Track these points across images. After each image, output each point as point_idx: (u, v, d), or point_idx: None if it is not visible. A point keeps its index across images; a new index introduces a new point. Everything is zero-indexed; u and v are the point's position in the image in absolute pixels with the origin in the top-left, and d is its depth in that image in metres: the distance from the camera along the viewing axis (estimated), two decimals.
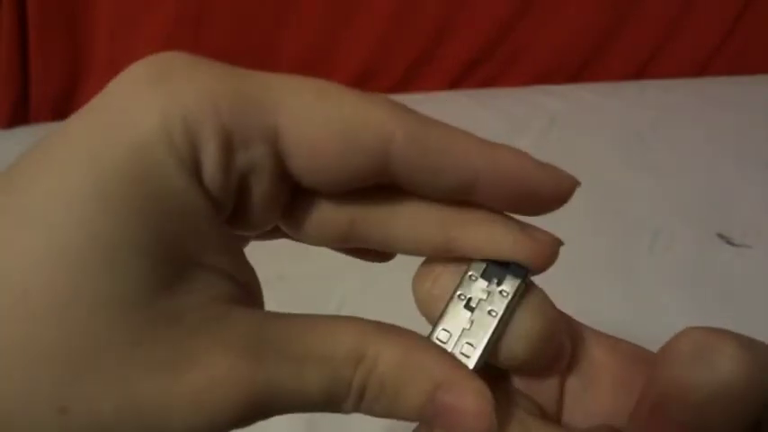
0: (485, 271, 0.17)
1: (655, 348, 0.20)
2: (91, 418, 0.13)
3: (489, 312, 0.16)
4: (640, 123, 0.85)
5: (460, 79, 0.97)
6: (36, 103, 0.92)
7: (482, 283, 0.17)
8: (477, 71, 0.97)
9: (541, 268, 0.18)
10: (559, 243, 0.18)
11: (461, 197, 0.16)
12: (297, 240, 0.18)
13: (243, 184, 0.15)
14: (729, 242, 0.63)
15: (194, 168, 0.14)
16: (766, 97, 0.91)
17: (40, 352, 0.12)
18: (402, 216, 0.17)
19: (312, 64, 0.94)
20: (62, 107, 0.93)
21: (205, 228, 0.14)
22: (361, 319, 0.16)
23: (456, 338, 0.16)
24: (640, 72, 0.98)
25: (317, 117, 0.15)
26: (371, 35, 0.92)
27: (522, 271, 0.17)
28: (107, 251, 0.13)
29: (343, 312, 0.60)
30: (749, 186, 0.72)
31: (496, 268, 0.17)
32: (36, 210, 0.13)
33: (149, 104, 0.14)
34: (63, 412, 0.12)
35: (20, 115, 0.92)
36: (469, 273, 0.17)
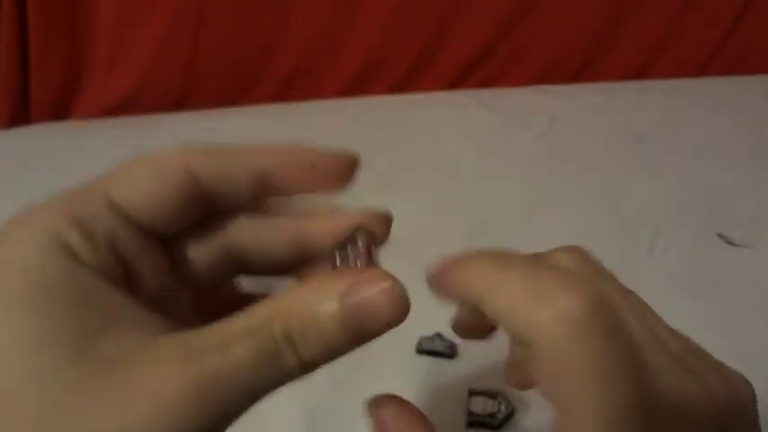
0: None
1: None
2: None
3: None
4: (640, 123, 0.85)
5: (460, 79, 0.97)
6: (36, 103, 0.92)
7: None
8: (477, 71, 0.97)
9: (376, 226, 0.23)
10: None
11: (269, 192, 0.21)
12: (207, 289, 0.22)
13: (115, 248, 0.19)
14: (729, 242, 0.63)
15: (71, 256, 0.17)
16: (766, 97, 0.91)
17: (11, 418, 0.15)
18: (262, 229, 0.21)
19: (312, 64, 0.94)
20: (62, 107, 0.93)
21: (107, 292, 0.18)
22: (271, 296, 0.18)
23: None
24: (640, 72, 0.98)
25: (134, 178, 0.19)
26: (371, 35, 0.93)
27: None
28: (36, 341, 0.16)
29: None
30: (749, 186, 0.72)
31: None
32: None
33: (24, 234, 0.18)
34: None
35: (20, 115, 0.92)
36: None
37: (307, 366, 0.17)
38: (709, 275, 0.60)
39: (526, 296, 0.17)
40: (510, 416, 0.44)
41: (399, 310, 0.18)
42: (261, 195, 0.21)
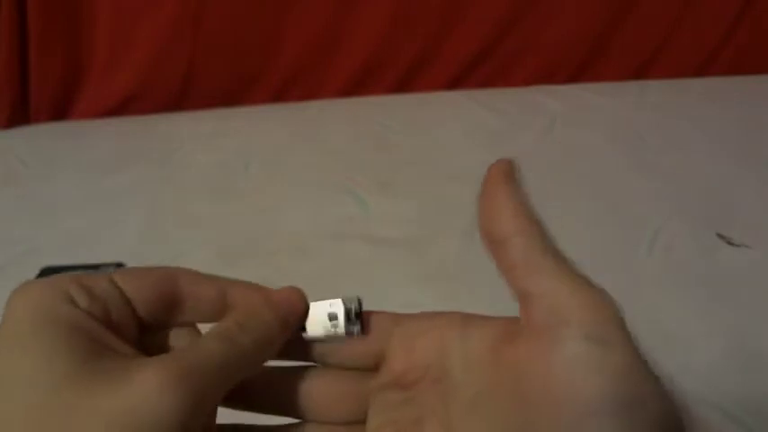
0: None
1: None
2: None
3: None
4: (640, 123, 0.85)
5: (460, 79, 0.97)
6: (36, 103, 0.92)
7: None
8: (477, 71, 0.97)
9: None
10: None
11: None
12: None
13: (107, 305, 0.23)
14: (729, 242, 0.63)
15: (72, 302, 0.22)
16: (766, 97, 0.91)
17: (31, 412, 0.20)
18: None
19: (312, 64, 0.94)
20: (62, 107, 0.93)
21: (101, 329, 0.22)
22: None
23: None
24: (640, 72, 0.98)
25: (132, 272, 0.24)
26: (371, 35, 0.93)
27: None
28: (45, 359, 0.20)
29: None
30: (749, 186, 0.72)
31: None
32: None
33: (36, 288, 0.22)
34: None
35: (20, 115, 0.92)
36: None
37: (258, 346, 0.23)
38: (709, 275, 0.60)
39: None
40: None
41: (305, 303, 0.25)
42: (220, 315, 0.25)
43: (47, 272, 0.64)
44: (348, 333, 0.25)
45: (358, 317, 0.25)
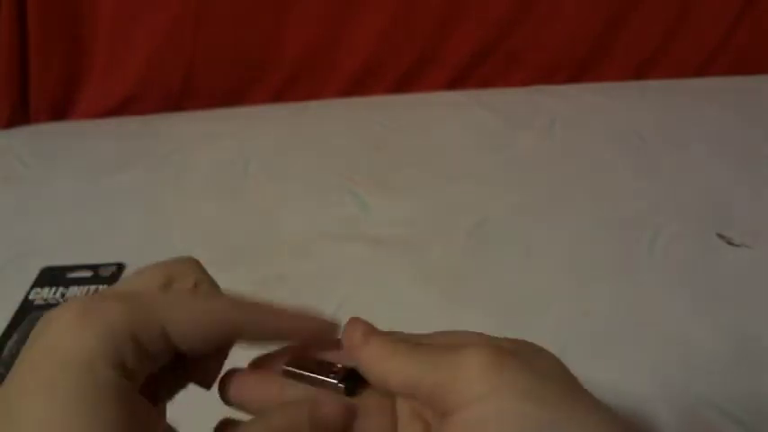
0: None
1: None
2: None
3: None
4: (640, 123, 0.85)
5: (460, 79, 0.97)
6: (36, 103, 0.92)
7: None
8: (477, 71, 0.97)
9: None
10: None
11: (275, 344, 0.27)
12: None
13: (155, 360, 0.23)
14: (729, 242, 0.63)
15: (121, 365, 0.21)
16: (766, 97, 0.91)
17: None
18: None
19: (312, 64, 0.94)
20: (62, 107, 0.93)
21: (143, 403, 0.22)
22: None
23: None
24: (640, 72, 0.98)
25: (190, 322, 0.24)
26: (372, 35, 0.92)
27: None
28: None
29: (343, 312, 0.60)
30: (749, 186, 0.72)
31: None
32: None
33: (84, 335, 0.21)
34: None
35: (20, 115, 0.92)
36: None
37: None
38: (709, 275, 0.60)
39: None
40: None
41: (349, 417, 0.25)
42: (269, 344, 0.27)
43: (47, 272, 0.64)
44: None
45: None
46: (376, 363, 0.25)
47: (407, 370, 0.24)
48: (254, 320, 0.25)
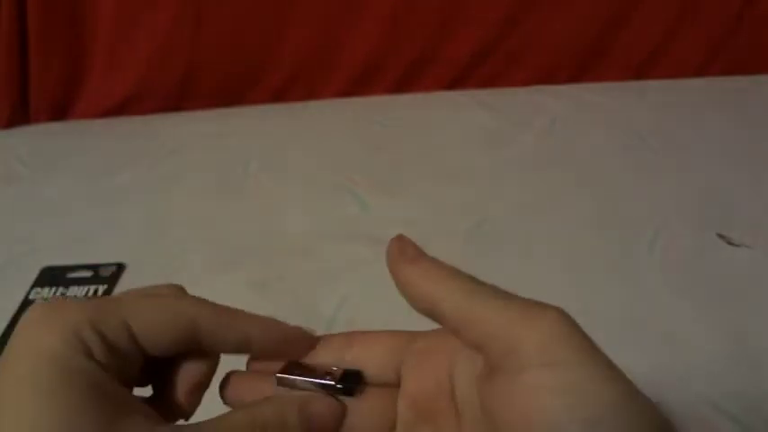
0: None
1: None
2: None
3: None
4: (640, 123, 0.85)
5: (460, 79, 0.97)
6: (36, 103, 0.92)
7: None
8: (477, 71, 0.97)
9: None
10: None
11: (244, 352, 0.27)
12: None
13: (118, 354, 0.23)
14: (729, 242, 0.63)
15: (88, 352, 0.22)
16: (766, 97, 0.91)
17: None
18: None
19: (312, 64, 0.94)
20: (62, 107, 0.93)
21: (115, 386, 0.22)
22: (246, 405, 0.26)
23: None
24: (640, 72, 0.98)
25: (150, 319, 0.24)
26: (372, 35, 0.93)
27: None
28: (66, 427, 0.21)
29: (343, 313, 0.60)
30: (749, 186, 0.72)
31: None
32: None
33: (50, 330, 0.22)
34: None
35: (20, 115, 0.92)
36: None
37: None
38: (709, 275, 0.60)
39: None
40: None
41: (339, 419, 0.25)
42: (238, 352, 0.27)
43: (47, 272, 0.64)
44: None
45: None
46: (425, 283, 0.23)
47: (466, 302, 0.22)
48: (219, 321, 0.25)
